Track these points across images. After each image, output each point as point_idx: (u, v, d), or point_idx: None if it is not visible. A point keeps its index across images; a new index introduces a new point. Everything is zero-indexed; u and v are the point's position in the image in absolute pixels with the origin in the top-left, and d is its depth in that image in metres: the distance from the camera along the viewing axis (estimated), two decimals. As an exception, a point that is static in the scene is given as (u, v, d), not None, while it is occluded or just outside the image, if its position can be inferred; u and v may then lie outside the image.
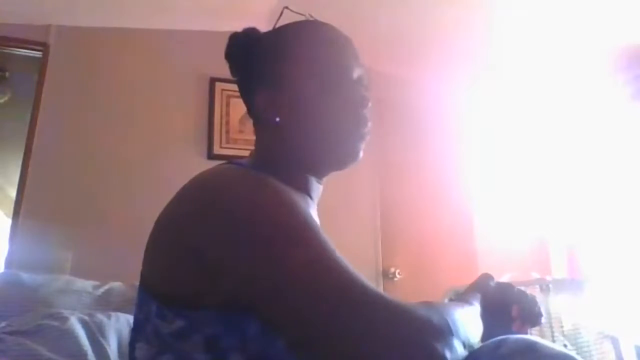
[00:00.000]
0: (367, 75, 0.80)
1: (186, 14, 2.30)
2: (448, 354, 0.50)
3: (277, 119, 0.75)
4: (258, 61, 0.78)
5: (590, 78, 2.75)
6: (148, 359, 0.62)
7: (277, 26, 0.80)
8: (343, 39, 0.79)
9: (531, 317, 0.77)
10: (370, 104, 0.77)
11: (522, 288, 0.80)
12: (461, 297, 0.73)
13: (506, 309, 0.75)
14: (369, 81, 0.80)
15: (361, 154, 0.78)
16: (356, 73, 0.78)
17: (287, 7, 0.81)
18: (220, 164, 0.71)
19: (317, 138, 0.75)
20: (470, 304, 0.68)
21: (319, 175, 0.80)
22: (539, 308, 0.78)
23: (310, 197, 0.79)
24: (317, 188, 0.81)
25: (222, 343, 0.58)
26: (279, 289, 0.52)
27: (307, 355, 0.52)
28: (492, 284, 0.79)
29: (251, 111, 0.81)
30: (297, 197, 0.64)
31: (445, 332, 0.52)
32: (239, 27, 0.81)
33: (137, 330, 0.66)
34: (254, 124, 0.82)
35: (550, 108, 3.05)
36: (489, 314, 0.70)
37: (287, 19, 0.81)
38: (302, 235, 0.56)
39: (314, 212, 0.79)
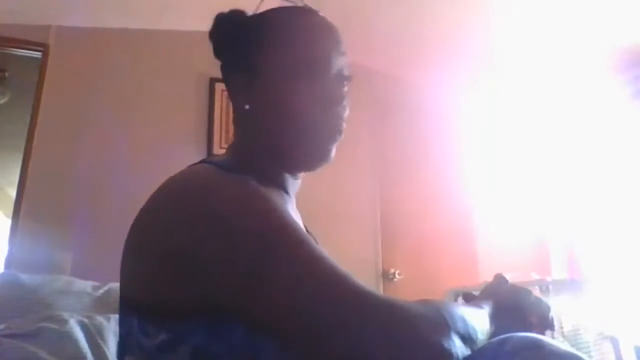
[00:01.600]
0: (349, 66, 0.75)
1: (186, 14, 2.30)
2: (445, 343, 0.50)
3: (247, 107, 0.72)
4: (237, 44, 0.75)
5: (590, 78, 2.74)
6: None
7: (272, 11, 0.76)
8: (326, 28, 0.75)
9: (547, 323, 0.76)
10: (345, 102, 0.73)
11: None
12: (472, 301, 0.72)
13: (520, 313, 0.71)
14: (351, 71, 0.76)
15: (332, 154, 0.74)
16: (336, 65, 0.73)
17: None
18: (194, 164, 0.68)
19: (286, 130, 0.71)
20: (479, 307, 0.66)
21: (291, 173, 0.76)
22: (552, 314, 0.77)
23: (287, 193, 0.76)
24: (294, 184, 0.78)
25: (209, 352, 0.56)
26: (268, 293, 0.52)
27: (297, 354, 0.52)
28: (505, 286, 0.75)
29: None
30: (276, 196, 0.62)
31: (441, 324, 0.51)
32: (238, 27, 0.81)
33: (122, 343, 0.63)
34: (233, 112, 0.78)
35: (550, 108, 3.05)
36: (503, 318, 0.67)
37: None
38: (288, 239, 0.55)
39: (292, 208, 0.77)
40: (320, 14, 0.77)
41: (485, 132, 3.07)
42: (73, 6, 2.16)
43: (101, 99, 2.24)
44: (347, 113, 0.74)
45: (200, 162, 0.70)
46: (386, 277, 2.52)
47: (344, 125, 0.74)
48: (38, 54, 2.18)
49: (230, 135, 2.35)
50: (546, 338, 0.53)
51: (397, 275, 2.53)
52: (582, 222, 2.88)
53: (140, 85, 2.32)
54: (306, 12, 0.76)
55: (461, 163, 2.93)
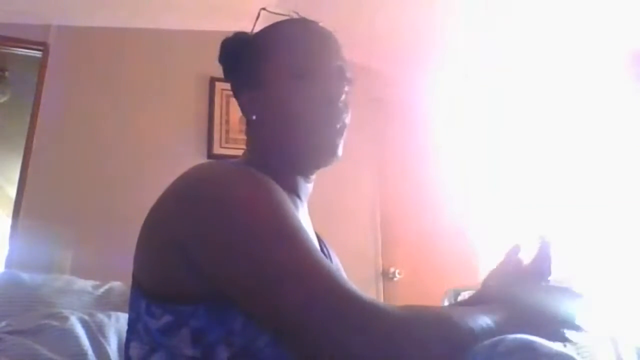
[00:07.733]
0: (348, 67, 0.78)
1: (186, 13, 2.30)
2: (409, 343, 0.53)
3: (254, 117, 0.77)
4: (243, 63, 0.80)
5: (598, 80, 2.73)
6: (141, 357, 0.63)
7: (268, 27, 0.81)
8: (319, 34, 0.79)
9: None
10: (343, 97, 0.76)
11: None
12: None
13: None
14: (353, 74, 0.79)
15: (339, 149, 0.77)
16: (334, 67, 0.77)
17: (264, 9, 0.82)
18: (206, 162, 0.73)
19: (292, 134, 0.76)
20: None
21: (303, 174, 0.80)
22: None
23: (299, 198, 0.80)
24: (306, 187, 0.81)
25: (209, 337, 0.59)
26: (259, 284, 0.55)
27: (287, 345, 0.56)
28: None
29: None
30: (284, 196, 0.64)
31: (410, 324, 0.54)
32: (239, 27, 0.82)
33: (130, 329, 0.67)
34: (245, 125, 0.84)
35: (552, 108, 3.05)
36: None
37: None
38: (283, 229, 0.58)
39: (303, 212, 0.80)
40: (320, 23, 0.81)
41: (485, 131, 3.08)
42: (73, 6, 2.17)
43: (101, 98, 2.24)
44: (349, 112, 0.78)
45: (213, 160, 0.74)
46: (386, 276, 2.53)
47: (347, 120, 0.77)
48: (38, 54, 2.18)
49: (230, 135, 2.38)
50: (539, 339, 0.53)
51: (397, 275, 2.53)
52: (582, 222, 2.87)
53: (140, 84, 2.32)
54: (301, 22, 0.80)
55: (461, 162, 2.93)
